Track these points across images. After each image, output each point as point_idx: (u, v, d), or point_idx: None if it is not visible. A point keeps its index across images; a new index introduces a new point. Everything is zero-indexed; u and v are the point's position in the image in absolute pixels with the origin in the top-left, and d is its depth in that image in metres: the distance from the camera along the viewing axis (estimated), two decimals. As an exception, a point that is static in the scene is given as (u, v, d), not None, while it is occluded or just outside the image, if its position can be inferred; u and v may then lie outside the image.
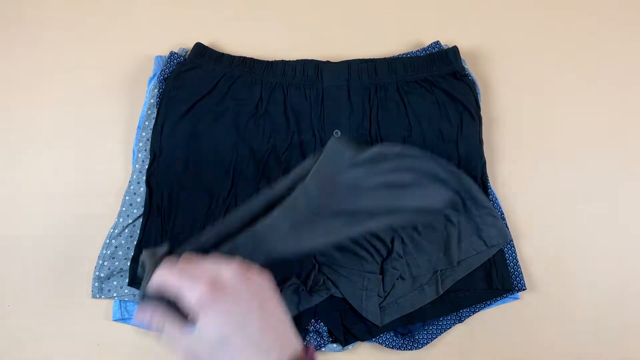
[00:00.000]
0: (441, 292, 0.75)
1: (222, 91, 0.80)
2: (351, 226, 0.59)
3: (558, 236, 0.83)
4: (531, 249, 0.83)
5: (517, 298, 0.80)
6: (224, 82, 0.80)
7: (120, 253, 0.77)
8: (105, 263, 0.77)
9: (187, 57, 0.82)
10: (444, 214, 0.73)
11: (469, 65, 0.85)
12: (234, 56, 0.82)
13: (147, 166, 0.79)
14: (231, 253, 0.56)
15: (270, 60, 0.82)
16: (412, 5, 0.92)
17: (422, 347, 0.77)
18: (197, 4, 0.91)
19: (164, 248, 0.57)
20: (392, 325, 0.76)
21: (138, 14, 0.90)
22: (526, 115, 0.87)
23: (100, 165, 0.84)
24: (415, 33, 0.90)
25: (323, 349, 0.77)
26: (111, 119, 0.85)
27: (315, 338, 0.75)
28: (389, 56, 0.86)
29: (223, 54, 0.82)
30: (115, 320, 0.77)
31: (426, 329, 0.77)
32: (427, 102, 0.80)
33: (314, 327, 0.75)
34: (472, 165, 0.79)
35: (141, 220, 0.77)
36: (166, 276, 0.52)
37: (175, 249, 0.58)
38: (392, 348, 0.77)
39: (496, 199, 0.81)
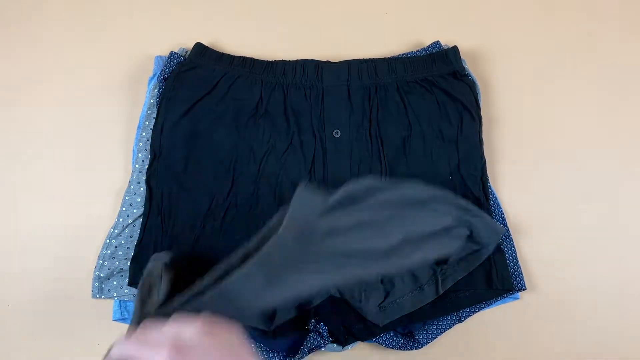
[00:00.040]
0: (441, 292, 0.75)
1: (222, 91, 0.80)
2: (337, 272, 0.56)
3: (558, 236, 0.83)
4: (531, 249, 0.83)
5: (517, 298, 0.80)
6: (224, 82, 0.80)
7: (120, 253, 0.77)
8: (105, 263, 0.77)
9: (187, 57, 0.82)
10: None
11: (469, 65, 0.85)
12: (234, 56, 0.82)
13: (147, 166, 0.79)
14: (198, 310, 0.53)
15: (270, 60, 0.82)
16: (412, 5, 0.92)
17: (422, 347, 0.77)
18: (197, 4, 0.91)
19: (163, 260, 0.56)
20: (392, 325, 0.76)
21: (138, 14, 0.90)
22: (526, 115, 0.87)
23: (100, 165, 0.84)
24: (415, 33, 0.90)
25: (323, 349, 0.77)
26: (111, 119, 0.85)
27: (315, 338, 0.75)
28: (389, 56, 0.86)
29: (223, 54, 0.82)
30: (115, 320, 0.77)
31: (426, 329, 0.77)
32: (427, 102, 0.80)
33: (314, 327, 0.75)
34: (472, 165, 0.79)
35: (141, 220, 0.77)
36: (125, 348, 0.49)
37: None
38: (392, 348, 0.77)
39: (496, 199, 0.81)
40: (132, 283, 0.75)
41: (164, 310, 0.54)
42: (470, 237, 0.72)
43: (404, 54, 0.86)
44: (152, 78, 0.83)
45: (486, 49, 0.90)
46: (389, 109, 0.80)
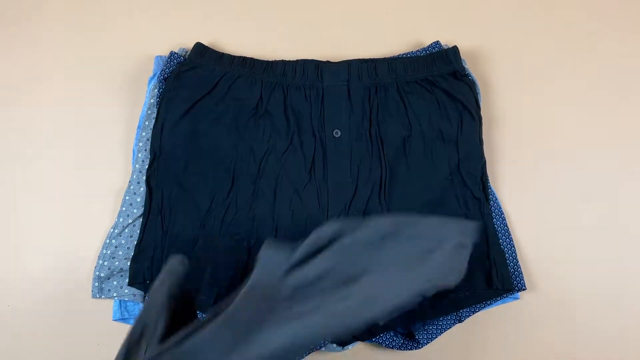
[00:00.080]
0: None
1: (222, 91, 0.80)
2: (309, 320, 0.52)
3: (558, 236, 0.83)
4: (531, 249, 0.83)
5: (517, 298, 0.80)
6: (224, 82, 0.80)
7: (121, 253, 0.77)
8: (105, 263, 0.77)
9: (187, 57, 0.82)
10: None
11: (469, 65, 0.85)
12: (234, 56, 0.82)
13: (147, 166, 0.79)
14: None
15: (270, 60, 0.82)
16: (412, 5, 0.92)
17: (422, 347, 0.77)
18: (197, 4, 0.91)
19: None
20: (392, 325, 0.76)
21: (138, 14, 0.90)
22: (526, 115, 0.87)
23: (100, 165, 0.84)
24: (415, 33, 0.90)
25: (323, 349, 0.77)
26: (111, 119, 0.85)
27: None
28: (389, 56, 0.86)
29: (223, 54, 0.82)
30: (115, 320, 0.77)
31: (426, 329, 0.77)
32: (427, 102, 0.80)
33: (314, 327, 0.75)
34: (472, 165, 0.79)
35: (141, 220, 0.77)
36: None
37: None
38: (392, 348, 0.77)
39: (496, 199, 0.81)
40: (132, 283, 0.75)
41: None
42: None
43: (404, 54, 0.86)
44: (152, 78, 0.83)
45: (486, 49, 0.90)
46: (389, 109, 0.80)
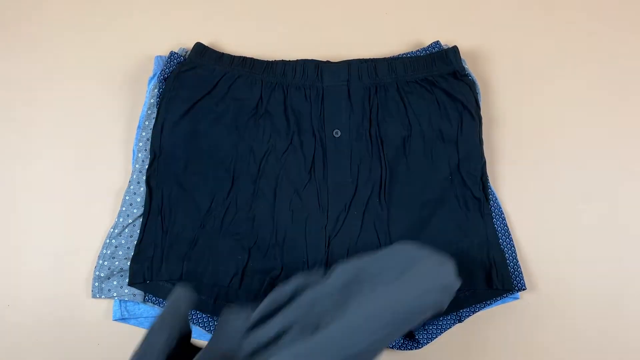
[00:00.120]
0: None
1: (222, 91, 0.80)
2: None
3: (558, 236, 0.83)
4: (531, 249, 0.83)
5: (517, 298, 0.80)
6: (224, 82, 0.80)
7: (121, 253, 0.77)
8: (106, 263, 0.77)
9: (187, 57, 0.82)
10: None
11: (469, 65, 0.85)
12: (234, 56, 0.82)
13: (147, 166, 0.79)
14: None
15: (270, 60, 0.82)
16: (412, 5, 0.92)
17: (422, 347, 0.77)
18: (197, 4, 0.91)
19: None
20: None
21: (138, 14, 0.90)
22: (526, 115, 0.87)
23: (100, 165, 0.84)
24: (415, 33, 0.90)
25: (323, 349, 0.77)
26: (111, 119, 0.85)
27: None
28: (389, 56, 0.86)
29: (223, 53, 0.82)
30: (115, 320, 0.77)
31: (426, 329, 0.77)
32: (427, 102, 0.80)
33: (314, 327, 0.75)
34: (472, 165, 0.79)
35: (141, 220, 0.77)
36: None
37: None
38: (392, 348, 0.77)
39: (496, 199, 0.81)
40: (132, 283, 0.75)
41: None
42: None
43: (404, 54, 0.86)
44: (152, 78, 0.83)
45: (486, 49, 0.90)
46: (389, 109, 0.80)
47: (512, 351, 0.80)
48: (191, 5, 0.91)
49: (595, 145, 0.87)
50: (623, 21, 0.91)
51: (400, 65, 0.82)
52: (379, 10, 0.92)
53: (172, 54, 0.82)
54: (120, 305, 0.77)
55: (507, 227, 0.81)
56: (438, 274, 0.55)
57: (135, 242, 0.77)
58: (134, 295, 0.76)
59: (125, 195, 0.79)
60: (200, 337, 0.78)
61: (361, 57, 0.84)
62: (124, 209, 0.79)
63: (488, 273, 0.77)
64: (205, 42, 0.84)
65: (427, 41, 0.87)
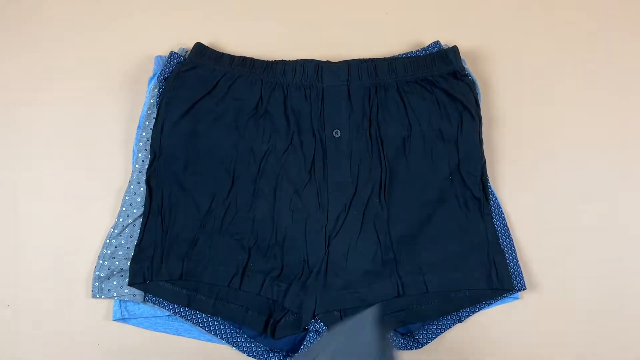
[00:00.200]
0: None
1: (222, 91, 0.80)
2: None
3: (558, 236, 0.83)
4: (531, 249, 0.83)
5: (517, 298, 0.80)
6: (224, 82, 0.80)
7: (121, 253, 0.77)
8: (106, 263, 0.77)
9: (187, 57, 0.82)
10: None
11: (469, 65, 0.85)
12: (234, 56, 0.82)
13: (147, 166, 0.79)
14: None
15: (270, 60, 0.82)
16: (412, 5, 0.92)
17: (422, 347, 0.77)
18: (197, 4, 0.91)
19: None
20: (392, 325, 0.76)
21: (138, 14, 0.90)
22: (526, 115, 0.87)
23: (100, 165, 0.84)
24: (415, 33, 0.90)
25: (323, 349, 0.77)
26: (111, 119, 0.85)
27: (315, 338, 0.75)
28: (389, 56, 0.86)
29: (223, 53, 0.82)
30: (115, 320, 0.77)
31: (426, 329, 0.78)
32: (427, 102, 0.80)
33: (314, 327, 0.75)
34: (472, 165, 0.79)
35: (141, 220, 0.77)
36: None
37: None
38: (392, 348, 0.77)
39: (496, 199, 0.81)
40: (132, 283, 0.75)
41: None
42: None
43: (404, 54, 0.86)
44: (152, 78, 0.83)
45: (486, 49, 0.90)
46: (389, 109, 0.80)
47: (512, 351, 0.80)
48: (191, 5, 0.91)
49: (595, 145, 0.87)
50: (623, 21, 0.91)
51: (400, 65, 0.82)
52: (379, 10, 0.92)
53: (172, 54, 0.82)
54: (120, 305, 0.77)
55: (507, 227, 0.81)
56: None
57: (135, 242, 0.77)
58: (134, 295, 0.76)
59: (125, 195, 0.79)
60: (200, 337, 0.79)
61: (361, 57, 0.84)
62: (124, 209, 0.79)
63: (488, 273, 0.77)
64: (205, 42, 0.84)
65: (427, 41, 0.87)
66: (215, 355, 0.79)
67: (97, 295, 0.76)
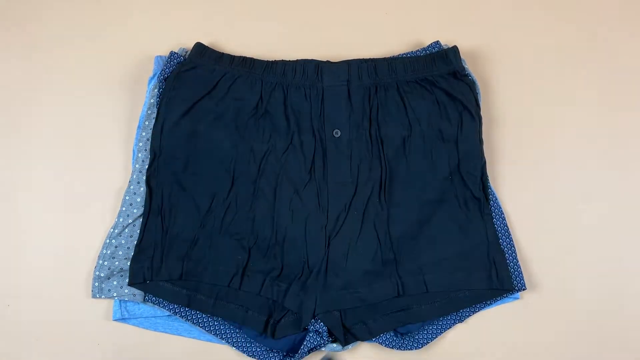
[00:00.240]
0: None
1: (222, 91, 0.80)
2: None
3: (558, 236, 0.83)
4: (531, 249, 0.83)
5: (517, 298, 0.80)
6: (224, 82, 0.80)
7: (121, 253, 0.77)
8: (106, 263, 0.77)
9: (187, 57, 0.82)
10: None
11: (469, 65, 0.85)
12: (234, 56, 0.82)
13: (147, 166, 0.79)
14: None
15: (270, 60, 0.82)
16: (412, 5, 0.92)
17: (422, 347, 0.77)
18: (197, 4, 0.91)
19: None
20: (392, 325, 0.76)
21: (138, 14, 0.90)
22: (526, 115, 0.87)
23: (100, 165, 0.84)
24: (415, 33, 0.90)
25: (323, 349, 0.77)
26: (111, 119, 0.85)
27: (315, 338, 0.75)
28: (389, 56, 0.86)
29: (223, 53, 0.82)
30: (115, 320, 0.77)
31: (426, 329, 0.78)
32: (427, 102, 0.80)
33: (314, 327, 0.75)
34: (472, 165, 0.79)
35: (141, 220, 0.77)
36: None
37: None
38: (392, 348, 0.77)
39: (496, 199, 0.81)
40: (132, 283, 0.75)
41: None
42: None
43: (404, 54, 0.86)
44: (152, 78, 0.83)
45: (486, 49, 0.90)
46: (389, 109, 0.80)
47: (512, 351, 0.80)
48: (191, 5, 0.91)
49: (595, 145, 0.87)
50: (623, 21, 0.91)
51: (400, 65, 0.82)
52: (379, 10, 0.92)
53: (172, 54, 0.82)
54: (120, 305, 0.77)
55: (507, 227, 0.81)
56: None
57: (135, 242, 0.77)
58: (134, 295, 0.76)
59: (125, 195, 0.79)
60: (200, 337, 0.79)
61: (361, 57, 0.84)
62: (124, 209, 0.79)
63: (488, 273, 0.77)
64: (205, 42, 0.84)
65: (427, 41, 0.87)
66: (215, 355, 0.79)
67: (97, 295, 0.76)
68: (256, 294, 0.76)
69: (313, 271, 0.76)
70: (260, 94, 0.80)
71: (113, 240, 0.78)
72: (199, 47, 0.82)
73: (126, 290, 0.76)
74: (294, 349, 0.77)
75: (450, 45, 0.84)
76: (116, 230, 0.78)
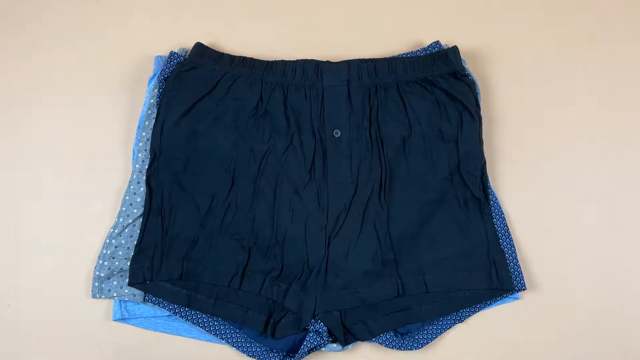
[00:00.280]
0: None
1: (222, 91, 0.80)
2: None
3: (558, 236, 0.83)
4: (531, 249, 0.83)
5: (517, 298, 0.80)
6: (224, 82, 0.80)
7: (120, 253, 0.77)
8: (105, 263, 0.77)
9: (187, 57, 0.82)
10: None
11: (469, 65, 0.85)
12: (234, 56, 0.82)
13: (147, 166, 0.79)
14: None
15: (270, 60, 0.82)
16: (412, 5, 0.92)
17: (422, 347, 0.77)
18: (197, 4, 0.91)
19: None
20: (392, 325, 0.76)
21: (138, 14, 0.90)
22: (526, 115, 0.87)
23: (100, 165, 0.84)
24: (415, 33, 0.90)
25: (323, 349, 0.77)
26: (111, 119, 0.85)
27: (315, 338, 0.75)
28: (389, 56, 0.86)
29: (223, 53, 0.82)
30: (115, 320, 0.77)
31: (426, 329, 0.78)
32: (427, 102, 0.80)
33: (314, 327, 0.75)
34: (472, 165, 0.79)
35: (141, 220, 0.77)
36: None
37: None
38: (392, 348, 0.77)
39: (496, 199, 0.81)
40: (132, 283, 0.75)
41: None
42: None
43: (404, 54, 0.86)
44: (152, 78, 0.83)
45: (486, 49, 0.90)
46: (389, 109, 0.80)
47: (512, 351, 0.80)
48: (191, 5, 0.91)
49: (595, 145, 0.86)
50: (623, 21, 0.91)
51: (400, 65, 0.82)
52: (379, 10, 0.92)
53: (172, 54, 0.82)
54: (120, 305, 0.77)
55: (507, 227, 0.81)
56: None
57: (135, 242, 0.77)
58: (134, 295, 0.76)
59: (125, 195, 0.79)
60: (200, 337, 0.79)
61: (361, 57, 0.84)
62: (124, 209, 0.79)
63: (488, 273, 0.77)
64: (205, 42, 0.84)
65: (427, 41, 0.87)
66: (215, 355, 0.79)
67: (97, 295, 0.76)
68: (256, 294, 0.76)
69: (313, 271, 0.76)
70: (260, 94, 0.80)
71: (113, 240, 0.78)
72: (199, 47, 0.82)
73: (126, 290, 0.76)
74: (294, 349, 0.77)
75: (450, 45, 0.84)
76: (116, 230, 0.78)
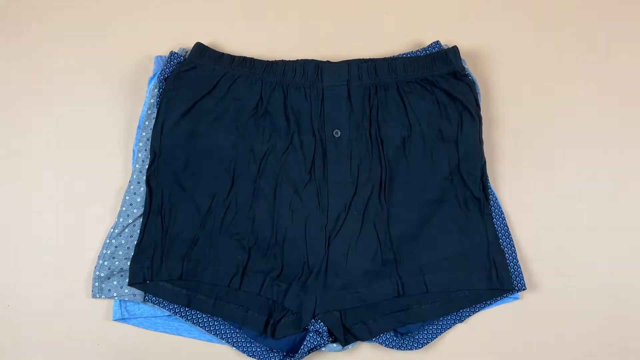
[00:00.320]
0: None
1: (222, 91, 0.80)
2: None
3: (558, 236, 0.83)
4: (531, 249, 0.83)
5: (517, 298, 0.80)
6: (224, 82, 0.80)
7: (121, 253, 0.77)
8: (106, 263, 0.77)
9: (187, 57, 0.82)
10: None
11: (469, 65, 0.85)
12: (234, 56, 0.82)
13: (147, 166, 0.79)
14: None
15: (270, 60, 0.82)
16: (412, 5, 0.92)
17: (422, 347, 0.77)
18: (197, 4, 0.91)
19: None
20: (392, 325, 0.76)
21: (138, 14, 0.90)
22: (526, 115, 0.87)
23: (100, 165, 0.84)
24: (415, 33, 0.90)
25: (323, 349, 0.77)
26: (111, 119, 0.85)
27: (315, 338, 0.75)
28: (389, 56, 0.86)
29: (223, 53, 0.82)
30: (115, 320, 0.77)
31: (426, 329, 0.78)
32: (427, 102, 0.80)
33: (314, 327, 0.75)
34: (472, 165, 0.79)
35: (141, 220, 0.77)
36: None
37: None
38: (392, 348, 0.77)
39: (496, 199, 0.81)
40: (132, 283, 0.75)
41: None
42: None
43: (404, 54, 0.86)
44: (152, 78, 0.83)
45: (486, 49, 0.90)
46: (389, 109, 0.80)
47: (512, 351, 0.80)
48: (191, 5, 0.91)
49: (595, 145, 0.86)
50: (623, 21, 0.91)
51: (400, 65, 0.82)
52: (379, 10, 0.92)
53: (172, 54, 0.82)
54: (120, 305, 0.77)
55: (507, 227, 0.81)
56: None
57: (135, 242, 0.77)
58: (134, 295, 0.76)
59: (125, 195, 0.79)
60: (200, 337, 0.79)
61: (361, 57, 0.84)
62: (124, 209, 0.79)
63: (488, 273, 0.77)
64: (205, 42, 0.84)
65: (427, 41, 0.87)
66: (215, 355, 0.79)
67: (97, 295, 0.76)
68: (256, 294, 0.76)
69: (313, 271, 0.76)
70: (260, 94, 0.80)
71: (113, 240, 0.78)
72: (199, 47, 0.82)
73: (126, 290, 0.76)
74: (294, 349, 0.77)
75: (450, 45, 0.84)
76: (116, 230, 0.78)
